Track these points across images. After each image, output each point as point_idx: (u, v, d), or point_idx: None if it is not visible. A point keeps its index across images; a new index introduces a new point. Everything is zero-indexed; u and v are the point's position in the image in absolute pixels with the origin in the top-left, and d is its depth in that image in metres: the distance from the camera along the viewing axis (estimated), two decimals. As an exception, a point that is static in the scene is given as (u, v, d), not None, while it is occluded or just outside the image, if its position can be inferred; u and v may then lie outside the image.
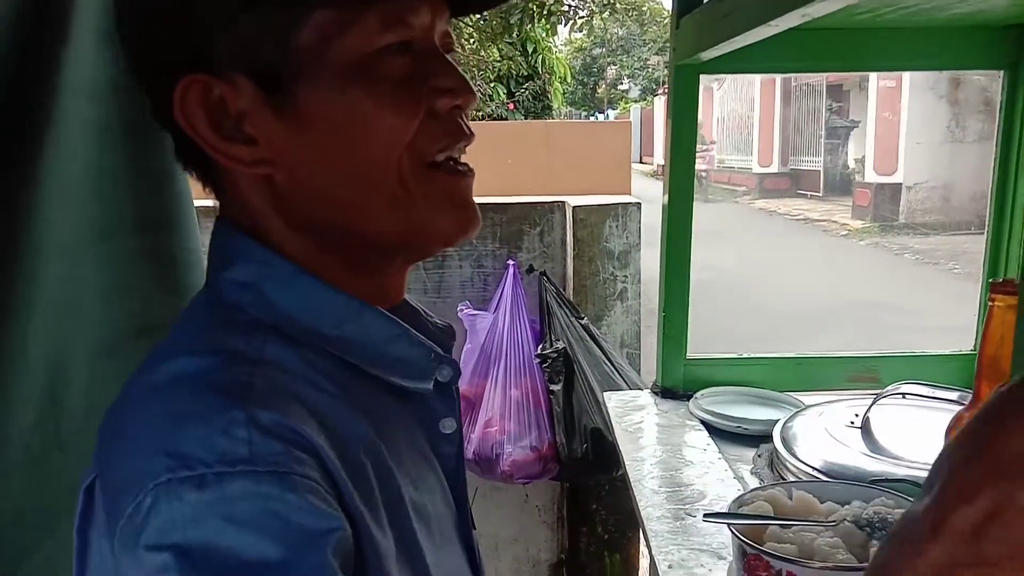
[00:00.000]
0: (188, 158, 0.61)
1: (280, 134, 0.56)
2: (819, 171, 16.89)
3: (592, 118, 29.80)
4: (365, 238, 0.59)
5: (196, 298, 0.61)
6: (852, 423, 1.29)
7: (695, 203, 1.57)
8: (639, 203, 2.18)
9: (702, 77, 1.51)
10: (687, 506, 1.17)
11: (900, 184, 12.49)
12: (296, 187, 0.57)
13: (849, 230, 12.60)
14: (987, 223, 1.57)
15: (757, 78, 16.74)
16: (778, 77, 16.46)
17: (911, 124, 12.30)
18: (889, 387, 1.34)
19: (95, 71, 1.05)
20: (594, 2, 8.19)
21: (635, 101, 30.85)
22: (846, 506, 0.93)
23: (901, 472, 1.11)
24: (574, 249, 2.21)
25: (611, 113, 30.87)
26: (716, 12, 1.20)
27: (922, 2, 1.18)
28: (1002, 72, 1.49)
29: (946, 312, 6.08)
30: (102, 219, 1.09)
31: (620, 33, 26.59)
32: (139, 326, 1.13)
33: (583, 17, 8.24)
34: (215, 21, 0.54)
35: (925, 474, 1.14)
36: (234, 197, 0.60)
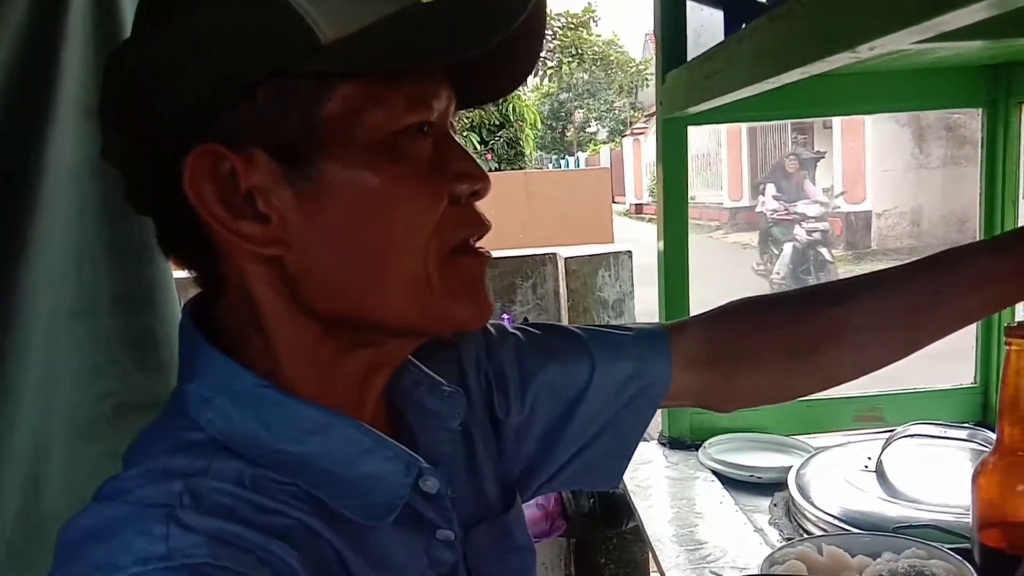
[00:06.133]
0: (174, 239, 0.57)
1: (296, 212, 0.52)
2: (789, 203, 17.13)
3: (562, 161, 30.12)
4: (374, 323, 0.56)
5: (166, 409, 0.57)
6: (866, 467, 1.28)
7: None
8: (630, 251, 2.20)
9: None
10: (710, 563, 1.15)
11: (870, 211, 12.69)
12: (307, 269, 0.54)
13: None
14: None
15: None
16: (743, 113, 16.77)
17: (876, 153, 12.55)
18: (899, 429, 1.34)
19: (76, 151, 1.05)
20: (562, 52, 8.35)
21: (603, 143, 31.25)
22: (878, 560, 0.92)
23: (923, 517, 1.10)
24: (568, 300, 2.21)
25: (581, 156, 31.25)
26: (704, 70, 1.21)
27: (906, 49, 1.20)
28: (981, 110, 1.53)
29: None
30: (78, 298, 1.08)
31: (585, 78, 27.08)
32: (115, 405, 1.12)
33: (552, 67, 8.40)
34: (235, 88, 0.50)
35: (947, 518, 1.13)
36: (232, 280, 0.56)
